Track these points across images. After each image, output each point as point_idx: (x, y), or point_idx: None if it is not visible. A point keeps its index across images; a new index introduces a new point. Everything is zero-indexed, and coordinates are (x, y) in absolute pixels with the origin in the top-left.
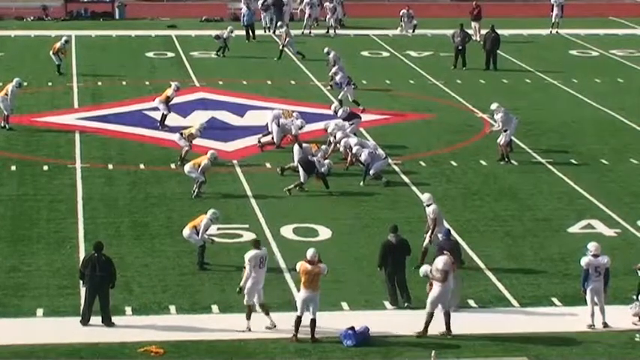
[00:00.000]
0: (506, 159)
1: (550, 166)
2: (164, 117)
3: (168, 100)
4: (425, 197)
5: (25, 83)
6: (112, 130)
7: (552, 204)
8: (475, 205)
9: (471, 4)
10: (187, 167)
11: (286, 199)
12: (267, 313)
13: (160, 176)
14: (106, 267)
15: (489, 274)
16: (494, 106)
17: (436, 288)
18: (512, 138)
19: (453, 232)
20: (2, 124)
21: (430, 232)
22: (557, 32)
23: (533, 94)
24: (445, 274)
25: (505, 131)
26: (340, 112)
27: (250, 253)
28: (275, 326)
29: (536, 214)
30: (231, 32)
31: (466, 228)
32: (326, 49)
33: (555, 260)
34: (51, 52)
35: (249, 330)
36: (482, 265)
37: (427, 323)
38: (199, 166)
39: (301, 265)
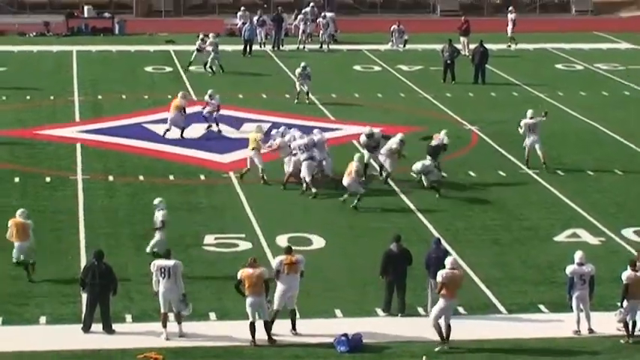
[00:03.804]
0: (526, 161)
1: (537, 177)
2: (182, 130)
3: (183, 110)
4: (156, 201)
5: (28, 97)
6: (112, 143)
7: (539, 213)
8: (464, 215)
9: (459, 19)
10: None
11: (281, 210)
12: (178, 322)
13: (159, 187)
14: (106, 275)
15: (478, 281)
16: (529, 112)
17: (278, 286)
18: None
19: (442, 241)
20: None
21: None
22: (512, 46)
23: (520, 107)
24: (277, 273)
25: (529, 136)
26: (376, 135)
27: (154, 262)
28: (182, 336)
29: (523, 224)
30: (203, 42)
31: (456, 237)
32: (303, 64)
33: (542, 268)
34: None
35: (167, 339)
36: (471, 273)
37: (272, 320)
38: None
39: (242, 272)
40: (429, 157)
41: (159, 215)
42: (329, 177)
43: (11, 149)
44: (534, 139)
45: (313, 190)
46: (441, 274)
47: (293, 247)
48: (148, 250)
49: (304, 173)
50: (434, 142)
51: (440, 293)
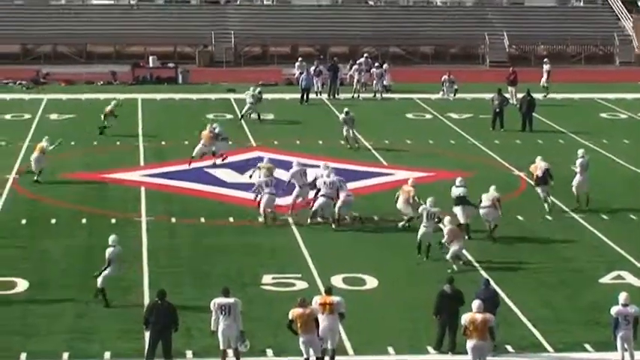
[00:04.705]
0: (577, 202)
1: (582, 221)
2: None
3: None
4: (110, 239)
5: (95, 142)
6: (174, 186)
7: (584, 256)
8: (513, 257)
9: (507, 70)
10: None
11: (336, 251)
12: (237, 358)
13: (219, 229)
14: (168, 313)
15: (526, 321)
16: (580, 152)
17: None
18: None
19: (491, 282)
20: (36, 178)
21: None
22: (547, 95)
23: (566, 154)
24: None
25: (581, 176)
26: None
27: (214, 300)
28: None
29: (569, 266)
30: (253, 96)
31: (504, 278)
32: (346, 109)
33: (587, 309)
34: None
35: None
36: (519, 314)
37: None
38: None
39: (293, 312)
40: (539, 188)
41: (107, 252)
42: (345, 219)
43: (79, 191)
44: (584, 177)
45: (318, 219)
46: (463, 317)
47: (348, 287)
48: (98, 285)
49: (317, 206)
50: (539, 172)
51: (463, 334)
